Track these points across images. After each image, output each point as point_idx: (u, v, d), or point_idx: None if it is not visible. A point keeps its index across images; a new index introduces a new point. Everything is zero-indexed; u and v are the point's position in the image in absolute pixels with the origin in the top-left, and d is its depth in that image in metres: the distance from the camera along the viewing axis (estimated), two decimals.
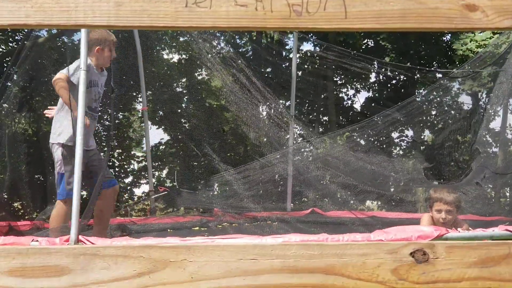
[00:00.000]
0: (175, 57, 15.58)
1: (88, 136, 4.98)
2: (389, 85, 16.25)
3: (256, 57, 14.43)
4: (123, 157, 14.58)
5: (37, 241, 4.11)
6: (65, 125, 5.01)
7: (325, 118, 16.12)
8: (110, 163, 12.32)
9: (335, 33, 14.02)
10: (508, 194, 9.52)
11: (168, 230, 5.67)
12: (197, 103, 13.87)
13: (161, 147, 15.01)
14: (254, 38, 14.82)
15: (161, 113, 14.06)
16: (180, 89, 15.07)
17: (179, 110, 13.78)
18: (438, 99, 9.57)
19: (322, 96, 15.67)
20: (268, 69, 15.05)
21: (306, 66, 15.21)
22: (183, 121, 13.95)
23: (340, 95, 16.64)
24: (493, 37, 10.56)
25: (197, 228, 5.82)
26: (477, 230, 4.10)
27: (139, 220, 6.68)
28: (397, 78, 15.81)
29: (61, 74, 5.03)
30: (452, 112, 10.45)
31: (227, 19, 1.32)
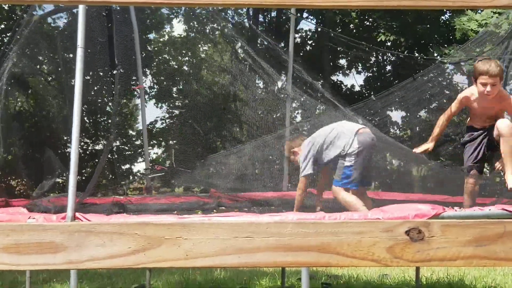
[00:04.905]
0: (177, 33, 15.57)
1: None
2: (387, 67, 16.26)
3: (254, 36, 14.38)
4: (120, 136, 14.58)
5: (34, 218, 4.10)
6: None
7: (322, 98, 16.12)
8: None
9: (332, 12, 13.96)
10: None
11: (175, 212, 5.66)
12: (197, 80, 13.88)
13: (157, 125, 15.01)
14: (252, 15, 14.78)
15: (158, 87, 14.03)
16: (181, 66, 15.06)
17: (180, 87, 13.75)
18: (435, 80, 9.52)
19: (320, 75, 15.65)
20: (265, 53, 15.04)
21: (306, 44, 15.17)
22: (181, 98, 13.93)
23: (339, 76, 16.68)
24: (493, 16, 10.47)
25: (198, 211, 5.83)
26: (474, 209, 4.12)
27: (136, 200, 6.68)
28: (393, 61, 15.78)
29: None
30: (447, 92, 10.40)
31: None
